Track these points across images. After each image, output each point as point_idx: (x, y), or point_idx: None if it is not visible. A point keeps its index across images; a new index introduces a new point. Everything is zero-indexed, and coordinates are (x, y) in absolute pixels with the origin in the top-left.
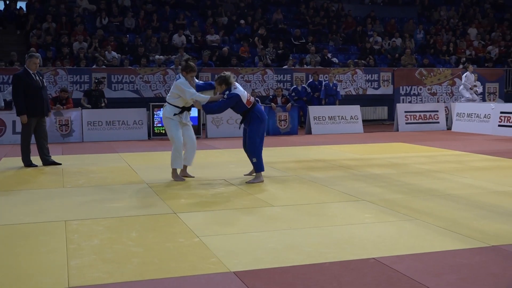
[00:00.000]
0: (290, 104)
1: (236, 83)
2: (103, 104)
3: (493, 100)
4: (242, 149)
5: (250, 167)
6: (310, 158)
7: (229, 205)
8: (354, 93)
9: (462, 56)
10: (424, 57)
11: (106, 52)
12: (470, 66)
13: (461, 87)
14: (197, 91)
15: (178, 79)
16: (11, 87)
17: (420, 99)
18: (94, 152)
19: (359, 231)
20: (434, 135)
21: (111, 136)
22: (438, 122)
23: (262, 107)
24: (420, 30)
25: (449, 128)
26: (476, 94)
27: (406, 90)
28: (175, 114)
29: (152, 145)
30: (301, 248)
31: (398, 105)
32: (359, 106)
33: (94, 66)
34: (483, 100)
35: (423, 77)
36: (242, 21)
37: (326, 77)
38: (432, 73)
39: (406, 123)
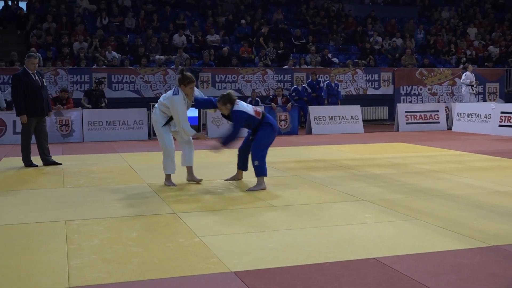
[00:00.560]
0: (290, 104)
1: (237, 99)
2: (103, 104)
3: (494, 100)
4: None
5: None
6: (311, 158)
7: (229, 205)
8: (354, 93)
9: (463, 56)
10: (424, 57)
11: (107, 52)
12: (470, 66)
13: (463, 88)
14: (196, 107)
15: (176, 93)
16: (11, 87)
17: (421, 99)
18: (94, 152)
19: (360, 231)
20: (435, 135)
21: (112, 136)
22: (439, 122)
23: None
24: (421, 30)
25: (449, 128)
26: (472, 89)
27: (407, 90)
28: (163, 125)
29: (152, 145)
30: (301, 248)
31: (398, 105)
32: (359, 106)
33: (95, 66)
34: (484, 100)
35: (424, 77)
36: (242, 21)
37: (327, 77)
38: (432, 73)
39: (407, 123)
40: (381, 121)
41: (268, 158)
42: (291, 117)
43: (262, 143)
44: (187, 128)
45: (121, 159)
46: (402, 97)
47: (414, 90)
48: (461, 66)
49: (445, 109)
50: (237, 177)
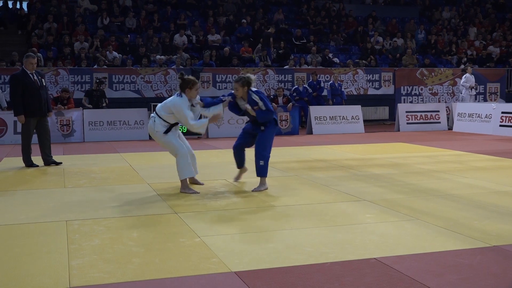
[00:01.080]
0: (291, 104)
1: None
2: (104, 104)
3: (494, 100)
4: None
5: (250, 167)
6: (311, 158)
7: (230, 205)
8: (355, 93)
9: (463, 56)
10: (425, 57)
11: (107, 52)
12: (469, 68)
13: (463, 90)
14: (205, 107)
15: (179, 95)
16: (9, 87)
17: (421, 99)
18: (95, 152)
19: (360, 231)
20: (435, 135)
21: (112, 136)
22: (439, 122)
23: None
24: (421, 30)
25: (450, 128)
26: (472, 91)
27: (407, 90)
28: (164, 132)
29: (153, 145)
30: (302, 248)
31: (399, 105)
32: (360, 106)
33: (95, 66)
34: (485, 100)
35: (424, 77)
36: (243, 21)
37: (327, 77)
38: (433, 73)
39: (407, 123)
40: (382, 121)
41: (269, 158)
42: (291, 117)
43: (269, 142)
44: (199, 123)
45: (122, 159)
46: (402, 97)
47: (415, 90)
48: (462, 66)
49: (446, 109)
50: (240, 175)
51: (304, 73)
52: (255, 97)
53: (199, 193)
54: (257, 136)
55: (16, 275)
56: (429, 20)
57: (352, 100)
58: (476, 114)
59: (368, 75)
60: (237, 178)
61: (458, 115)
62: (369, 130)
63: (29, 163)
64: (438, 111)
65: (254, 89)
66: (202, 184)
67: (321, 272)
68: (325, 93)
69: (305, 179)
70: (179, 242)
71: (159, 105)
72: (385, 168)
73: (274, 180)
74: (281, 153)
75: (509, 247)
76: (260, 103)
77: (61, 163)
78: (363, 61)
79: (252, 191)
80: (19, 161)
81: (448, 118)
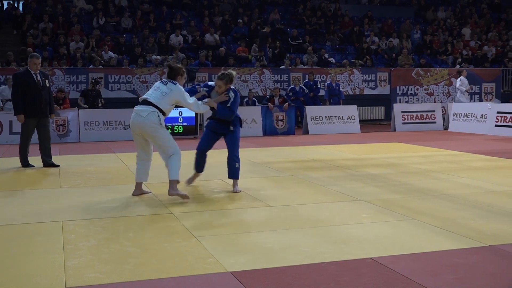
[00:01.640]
0: (287, 104)
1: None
2: (100, 104)
3: (490, 100)
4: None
5: (246, 167)
6: (307, 158)
7: (226, 205)
8: (351, 93)
9: (459, 56)
10: (421, 57)
11: (103, 52)
12: (464, 70)
13: (458, 93)
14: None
15: (175, 84)
16: (5, 86)
17: (417, 99)
18: (91, 152)
19: (357, 231)
20: (431, 135)
21: (108, 136)
22: (435, 122)
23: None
24: (417, 30)
25: (446, 128)
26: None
27: (403, 90)
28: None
29: None
30: (298, 248)
31: (395, 105)
32: (356, 106)
33: (91, 66)
34: (480, 100)
35: (420, 77)
36: (239, 21)
37: (323, 77)
38: (429, 73)
39: (403, 123)
40: (378, 121)
41: (265, 158)
42: (288, 117)
43: (238, 142)
44: (203, 107)
45: (117, 159)
46: (398, 97)
47: (411, 90)
48: (457, 66)
49: (442, 109)
50: (193, 180)
51: (300, 73)
52: (231, 95)
53: (188, 198)
54: (227, 137)
55: (12, 275)
56: (425, 20)
57: (348, 100)
58: (471, 114)
59: (364, 75)
60: (191, 181)
61: (453, 115)
62: (365, 130)
63: (25, 163)
64: (434, 111)
65: (233, 87)
66: (184, 195)
67: (317, 272)
68: (322, 93)
69: (301, 179)
70: (175, 242)
71: (151, 98)
72: (381, 168)
73: (270, 180)
74: (277, 153)
75: (505, 246)
76: (231, 101)
77: (58, 166)
78: (359, 61)
79: (234, 192)
80: (15, 161)
81: (443, 118)
